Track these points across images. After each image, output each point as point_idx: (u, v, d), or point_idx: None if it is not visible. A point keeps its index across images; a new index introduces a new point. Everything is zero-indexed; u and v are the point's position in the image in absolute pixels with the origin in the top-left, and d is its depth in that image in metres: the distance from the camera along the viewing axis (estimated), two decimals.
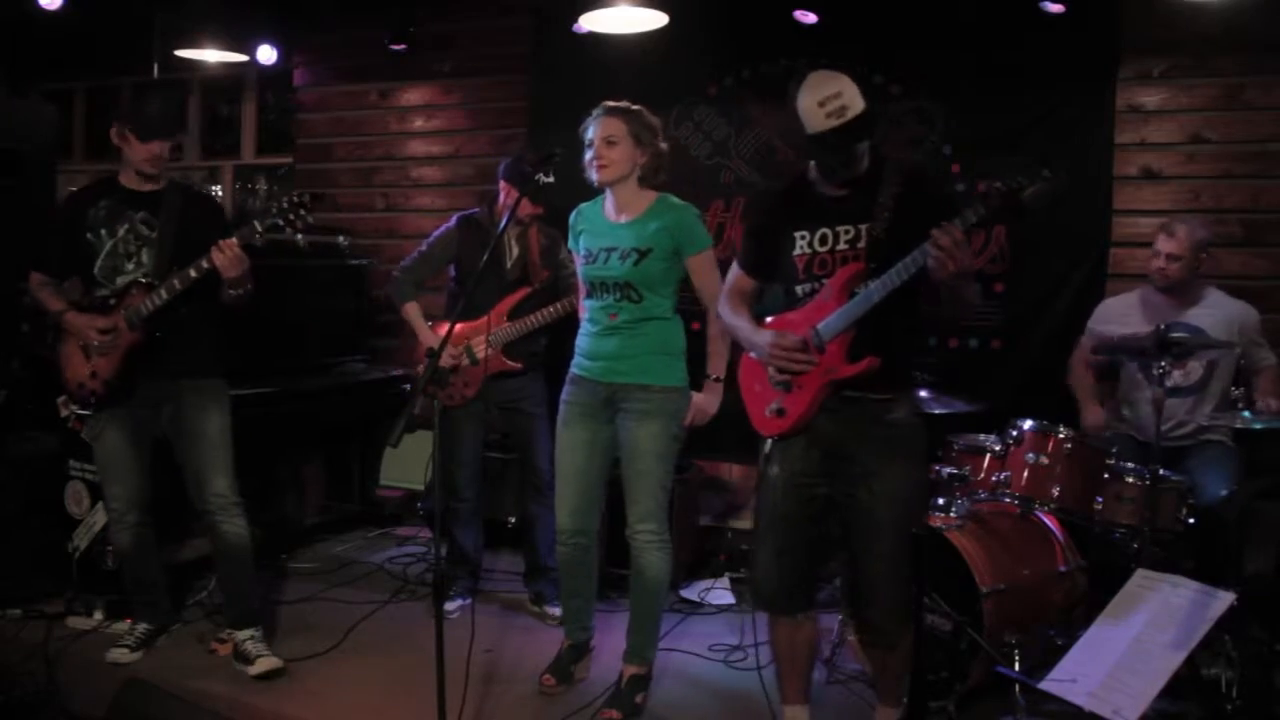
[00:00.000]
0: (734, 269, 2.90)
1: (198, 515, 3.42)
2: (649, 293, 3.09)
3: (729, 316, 2.85)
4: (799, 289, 2.67)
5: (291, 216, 3.13)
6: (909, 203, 2.52)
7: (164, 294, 3.20)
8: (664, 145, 3.16)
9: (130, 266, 3.30)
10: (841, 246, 2.59)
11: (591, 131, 3.10)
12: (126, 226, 3.31)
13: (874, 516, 2.58)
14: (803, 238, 2.64)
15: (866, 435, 2.60)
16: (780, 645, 2.84)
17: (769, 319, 2.74)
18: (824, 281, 2.61)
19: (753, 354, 2.76)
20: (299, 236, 3.20)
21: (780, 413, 2.67)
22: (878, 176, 2.56)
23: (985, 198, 2.34)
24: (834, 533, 2.77)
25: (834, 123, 2.46)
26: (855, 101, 2.46)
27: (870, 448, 2.60)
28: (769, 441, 2.77)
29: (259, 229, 3.13)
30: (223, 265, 3.10)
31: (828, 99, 2.45)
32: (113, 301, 3.27)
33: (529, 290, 3.88)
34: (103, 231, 3.30)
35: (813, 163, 2.65)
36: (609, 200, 3.18)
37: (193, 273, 3.16)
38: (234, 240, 3.11)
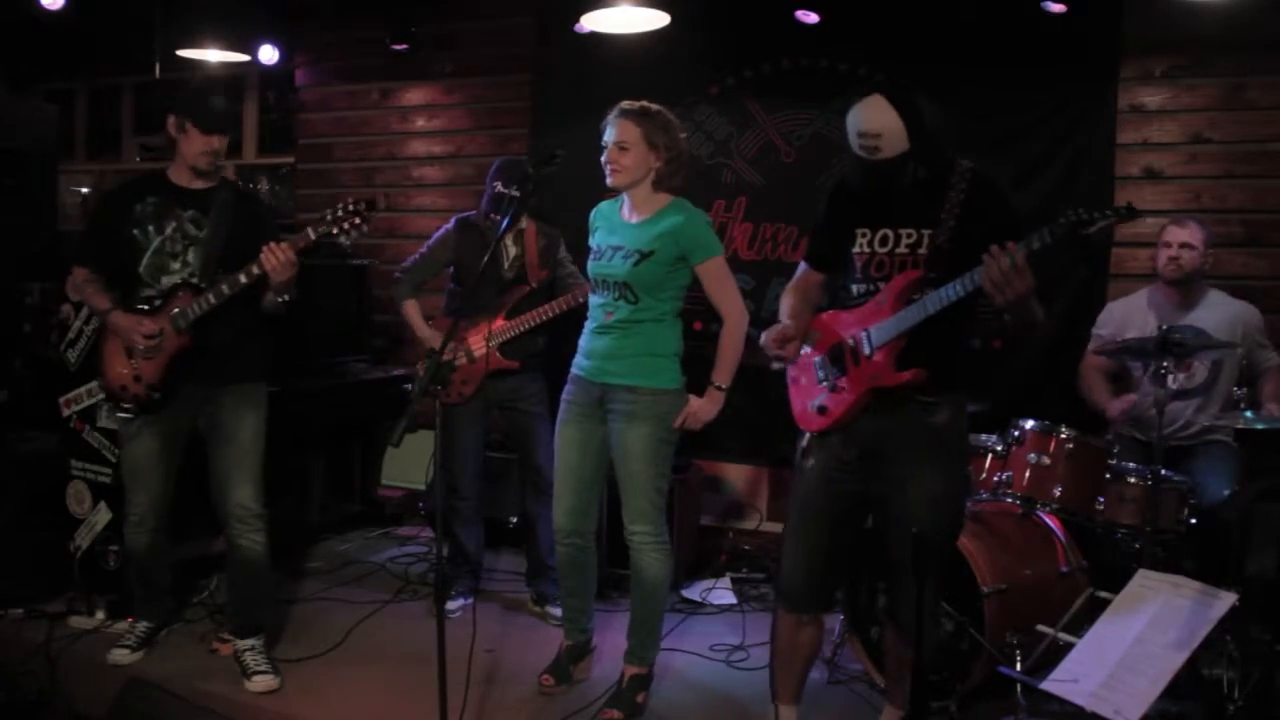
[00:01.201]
0: (803, 264, 2.88)
1: (210, 518, 3.38)
2: (646, 295, 3.08)
3: (781, 309, 2.82)
4: (855, 288, 2.66)
5: (346, 225, 3.04)
6: (975, 212, 2.48)
7: (212, 299, 3.13)
8: (683, 145, 3.13)
9: (176, 266, 3.24)
10: (901, 250, 2.56)
11: (606, 133, 3.09)
12: (174, 225, 3.24)
13: (907, 522, 2.52)
14: (863, 235, 2.62)
15: (906, 437, 2.57)
16: (782, 641, 2.81)
17: (823, 315, 2.73)
18: (880, 284, 2.59)
19: None
20: (345, 241, 3.10)
21: (822, 410, 2.66)
22: (944, 180, 2.52)
23: (1053, 227, 2.31)
24: (862, 530, 2.76)
25: (864, 155, 2.48)
26: (894, 145, 2.45)
27: (909, 450, 2.57)
28: (807, 434, 2.75)
29: (313, 235, 3.05)
30: (273, 269, 3.02)
31: (866, 134, 2.46)
32: (158, 302, 3.21)
33: (527, 289, 3.89)
34: (150, 229, 3.23)
35: None
36: (625, 200, 3.19)
37: (243, 278, 3.09)
38: (287, 244, 3.03)
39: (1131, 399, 3.67)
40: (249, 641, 3.35)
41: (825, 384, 2.67)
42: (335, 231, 3.05)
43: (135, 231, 3.23)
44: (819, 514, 2.69)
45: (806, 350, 2.74)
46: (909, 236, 2.56)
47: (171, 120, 3.21)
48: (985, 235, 2.36)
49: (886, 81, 2.53)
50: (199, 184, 3.28)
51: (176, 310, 3.17)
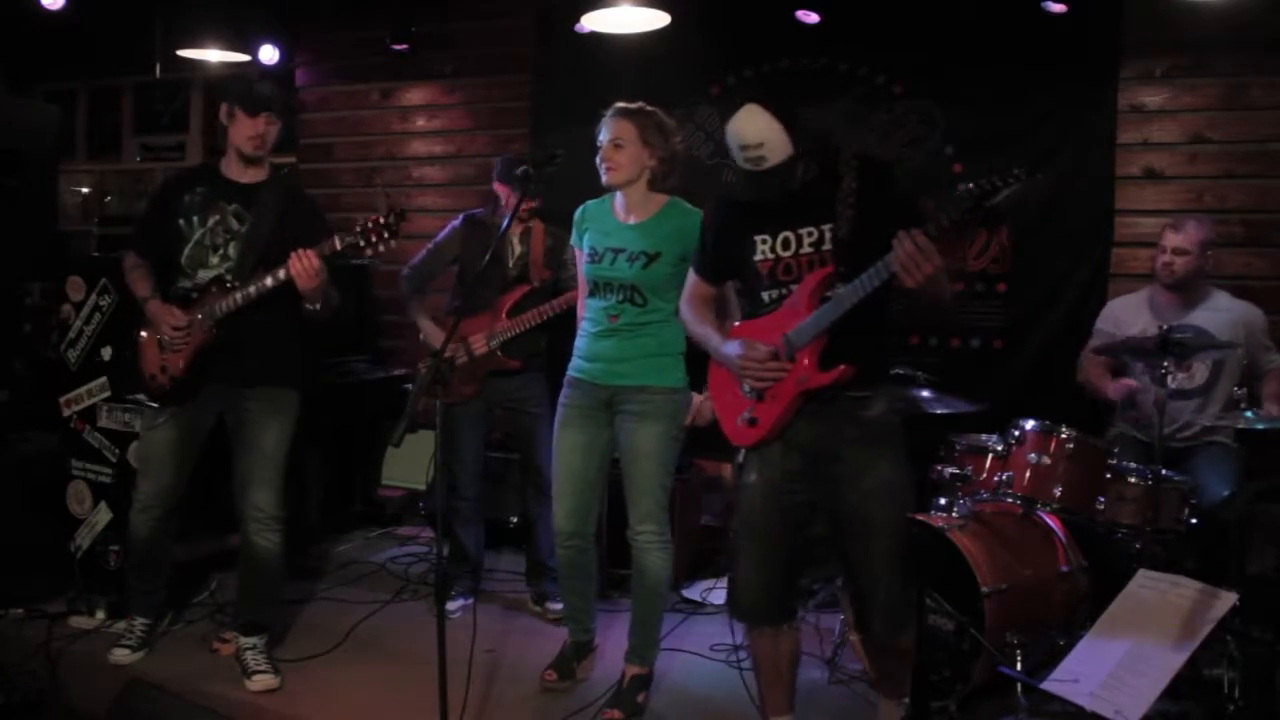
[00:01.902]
0: (691, 275, 2.84)
1: (225, 520, 3.39)
2: (653, 296, 3.08)
3: (694, 325, 2.79)
4: (765, 295, 2.60)
5: (374, 238, 2.99)
6: (871, 199, 2.44)
7: (239, 299, 3.12)
8: (678, 147, 3.13)
9: (215, 260, 3.23)
10: (805, 250, 2.52)
11: (601, 133, 3.09)
12: (217, 217, 3.23)
13: (865, 517, 2.52)
14: (764, 242, 2.57)
15: (845, 435, 2.53)
16: (763, 657, 2.76)
17: (736, 324, 2.68)
18: (791, 287, 2.54)
19: (721, 364, 2.70)
20: (368, 251, 3.04)
21: (752, 422, 2.60)
22: (833, 173, 2.49)
23: (955, 202, 2.24)
24: (818, 536, 2.71)
25: (750, 168, 2.45)
26: (778, 151, 2.42)
27: (851, 447, 2.53)
28: (743, 449, 2.69)
29: (339, 244, 3.01)
30: (298, 274, 3.00)
31: (747, 147, 2.43)
32: (194, 295, 3.21)
33: (528, 288, 3.89)
34: (194, 219, 3.23)
35: None
36: (618, 200, 3.17)
37: (269, 281, 3.08)
38: (312, 251, 3.00)
39: (1130, 383, 3.66)
40: (251, 640, 3.35)
41: (751, 395, 2.60)
42: (363, 244, 3.00)
43: (181, 221, 3.24)
44: (769, 528, 2.63)
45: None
46: (810, 235, 2.51)
47: (222, 109, 3.22)
48: (886, 219, 2.32)
49: (758, 89, 2.51)
50: (248, 177, 3.27)
51: (206, 306, 3.17)
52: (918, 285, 2.28)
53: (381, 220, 2.99)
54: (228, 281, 3.18)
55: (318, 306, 3.14)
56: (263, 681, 3.25)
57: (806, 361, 2.50)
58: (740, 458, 2.72)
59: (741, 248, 2.62)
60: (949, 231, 2.25)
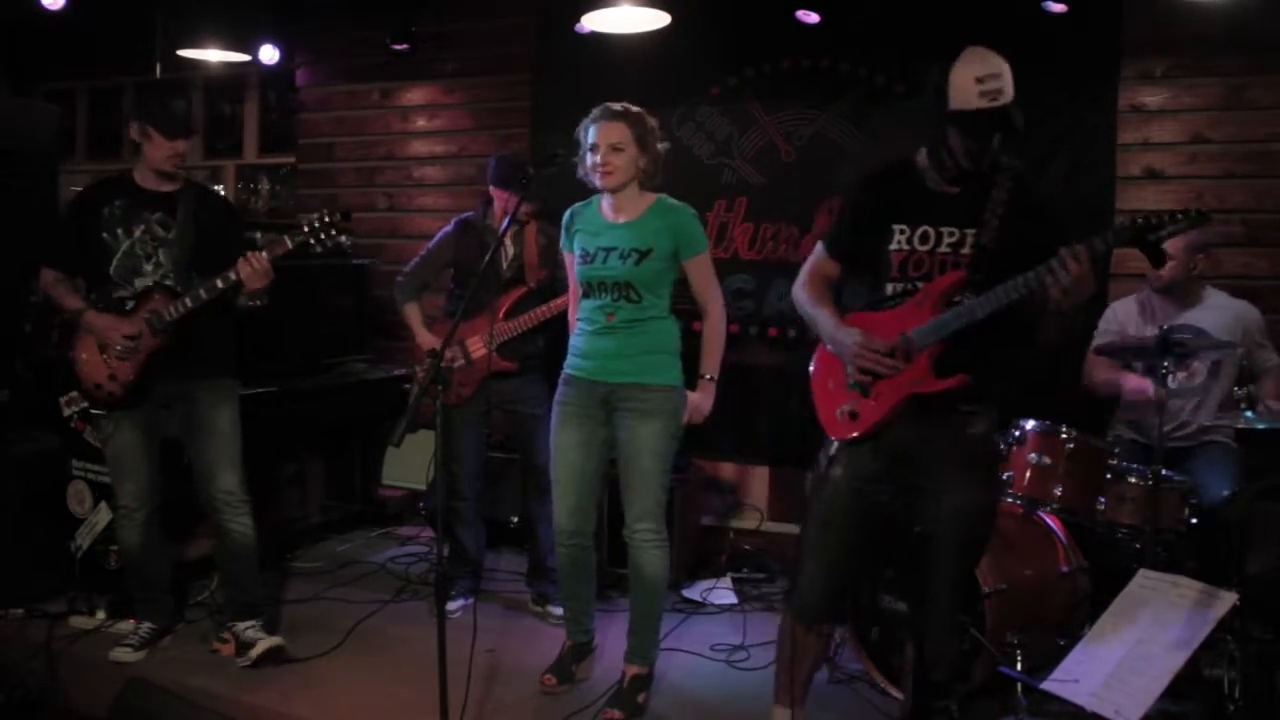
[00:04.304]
0: (818, 250, 2.69)
1: (204, 512, 3.44)
2: (647, 293, 3.09)
3: (809, 305, 2.65)
4: (890, 286, 2.52)
5: (323, 235, 3.13)
6: (1018, 213, 2.39)
7: (189, 302, 3.21)
8: (663, 146, 3.14)
9: (149, 268, 3.30)
10: (943, 249, 2.45)
11: (592, 135, 3.07)
12: (143, 227, 3.31)
13: (946, 534, 2.44)
14: (901, 232, 2.49)
15: (943, 446, 2.46)
16: (793, 649, 2.74)
17: (852, 315, 2.58)
18: (919, 284, 2.47)
19: (831, 348, 2.60)
20: (317, 248, 3.18)
21: (853, 416, 2.52)
22: (991, 179, 2.42)
23: (1116, 230, 2.24)
24: (882, 540, 2.67)
25: (986, 104, 2.31)
26: (1009, 88, 2.33)
27: (944, 461, 2.46)
28: (835, 442, 2.60)
29: (289, 244, 3.14)
30: (249, 277, 3.13)
31: (988, 77, 2.32)
32: (131, 303, 3.27)
33: (525, 290, 3.89)
34: (119, 231, 3.30)
35: (924, 150, 2.50)
36: (606, 201, 3.17)
37: (219, 283, 3.17)
38: (263, 254, 3.12)
39: (1147, 382, 3.58)
40: (248, 622, 3.42)
41: (857, 388, 2.52)
42: (312, 242, 3.14)
43: (105, 235, 3.30)
44: (844, 527, 2.57)
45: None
46: (951, 235, 2.44)
47: (134, 126, 3.29)
48: (1031, 238, 2.28)
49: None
50: (165, 186, 3.35)
51: (153, 312, 3.23)
52: (1072, 305, 2.25)
53: (328, 218, 3.13)
54: (170, 286, 3.26)
55: (263, 301, 3.27)
56: (267, 642, 3.34)
57: (923, 364, 2.44)
58: (832, 449, 2.61)
59: (879, 233, 2.53)
60: (1098, 257, 2.24)
